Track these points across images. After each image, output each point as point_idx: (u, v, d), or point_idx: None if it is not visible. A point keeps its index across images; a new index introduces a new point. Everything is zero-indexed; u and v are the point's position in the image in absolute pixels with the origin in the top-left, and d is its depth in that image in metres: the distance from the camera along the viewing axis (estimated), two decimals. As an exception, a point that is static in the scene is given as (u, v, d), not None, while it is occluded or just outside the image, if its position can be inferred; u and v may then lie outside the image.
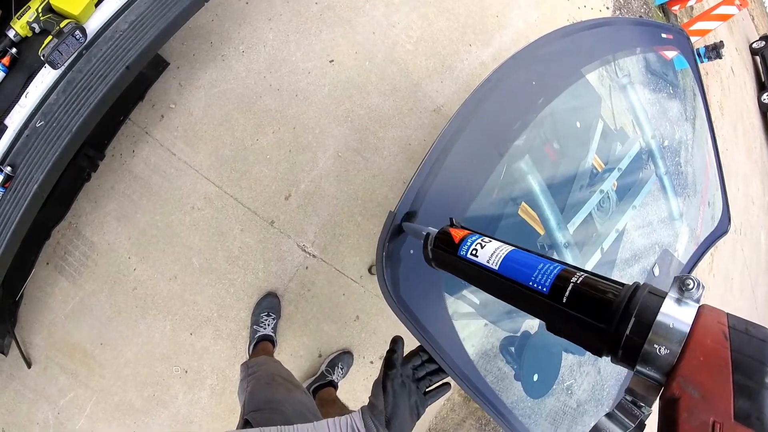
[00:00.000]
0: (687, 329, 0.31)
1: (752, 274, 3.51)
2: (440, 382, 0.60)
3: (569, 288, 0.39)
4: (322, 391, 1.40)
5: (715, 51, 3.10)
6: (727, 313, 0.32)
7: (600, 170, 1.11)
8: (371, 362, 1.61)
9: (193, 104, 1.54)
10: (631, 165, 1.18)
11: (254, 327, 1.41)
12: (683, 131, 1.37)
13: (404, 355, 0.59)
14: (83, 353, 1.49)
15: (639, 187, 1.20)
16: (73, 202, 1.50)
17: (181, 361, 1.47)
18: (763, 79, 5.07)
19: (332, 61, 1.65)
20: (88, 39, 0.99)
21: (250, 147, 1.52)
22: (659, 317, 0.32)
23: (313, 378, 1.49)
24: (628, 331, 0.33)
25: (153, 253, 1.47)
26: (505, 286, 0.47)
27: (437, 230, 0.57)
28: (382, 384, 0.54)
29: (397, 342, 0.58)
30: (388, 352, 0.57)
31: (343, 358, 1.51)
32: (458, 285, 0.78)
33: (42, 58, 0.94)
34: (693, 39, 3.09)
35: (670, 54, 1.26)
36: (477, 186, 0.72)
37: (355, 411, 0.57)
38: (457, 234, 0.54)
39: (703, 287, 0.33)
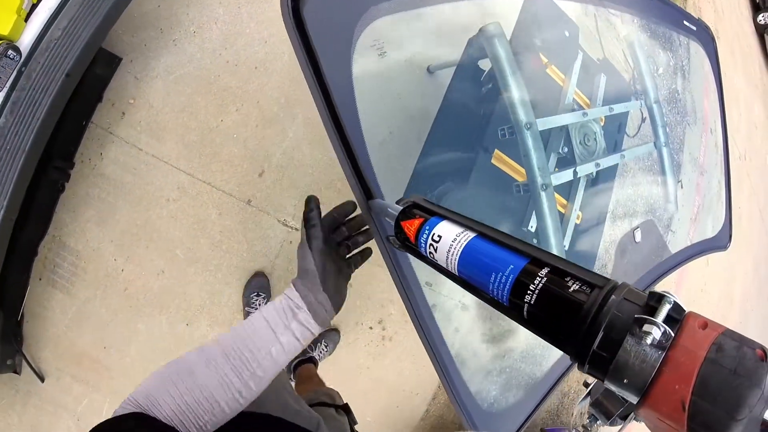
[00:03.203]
0: (650, 376, 0.27)
1: (760, 200, 3.34)
2: (361, 248, 0.56)
3: (525, 307, 0.35)
4: (301, 368, 1.39)
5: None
6: (705, 361, 0.25)
7: (586, 108, 1.02)
8: (370, 328, 1.58)
9: (152, 95, 1.49)
10: (622, 116, 1.08)
11: (246, 309, 1.40)
12: (678, 58, 1.26)
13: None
14: (90, 359, 1.51)
15: (633, 146, 1.10)
16: (53, 216, 1.49)
17: (183, 352, 1.46)
18: (757, 0, 4.73)
19: (287, 27, 1.58)
20: (24, 55, 0.96)
21: (215, 129, 1.48)
22: (622, 351, 0.28)
23: None
24: (595, 347, 0.29)
25: (137, 251, 1.46)
26: (473, 290, 0.42)
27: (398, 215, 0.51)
28: (308, 243, 0.50)
29: (311, 201, 0.54)
30: (304, 212, 0.53)
31: (327, 335, 1.48)
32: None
33: (-21, 85, 0.91)
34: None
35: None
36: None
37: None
38: (410, 229, 0.47)
39: (670, 335, 0.27)
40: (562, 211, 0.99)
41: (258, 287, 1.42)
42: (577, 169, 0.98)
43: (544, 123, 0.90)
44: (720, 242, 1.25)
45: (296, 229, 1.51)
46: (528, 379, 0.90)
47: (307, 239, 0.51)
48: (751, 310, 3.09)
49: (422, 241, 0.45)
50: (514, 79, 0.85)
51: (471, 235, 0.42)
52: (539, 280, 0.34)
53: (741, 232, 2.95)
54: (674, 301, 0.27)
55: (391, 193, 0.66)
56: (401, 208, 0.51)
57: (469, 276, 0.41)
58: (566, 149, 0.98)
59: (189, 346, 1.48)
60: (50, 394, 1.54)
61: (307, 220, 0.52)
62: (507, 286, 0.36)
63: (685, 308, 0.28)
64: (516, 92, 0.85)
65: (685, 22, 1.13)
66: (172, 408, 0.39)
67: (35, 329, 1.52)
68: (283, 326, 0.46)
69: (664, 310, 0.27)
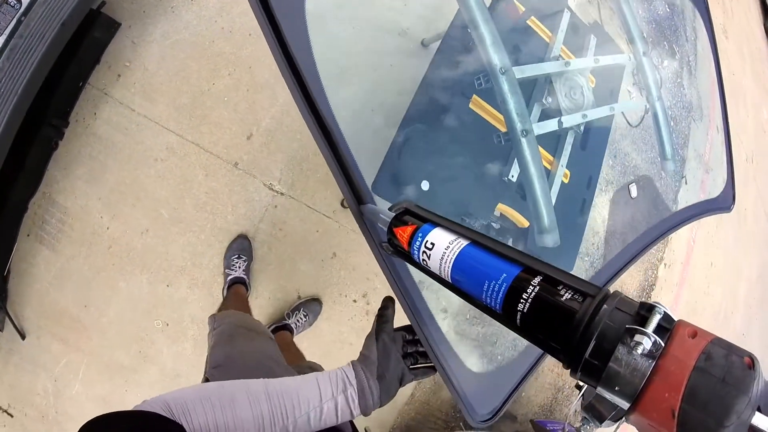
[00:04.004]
0: (640, 384, 0.28)
1: (766, 203, 3.24)
2: (427, 365, 0.58)
3: (518, 315, 0.36)
4: (278, 335, 1.37)
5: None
6: (694, 370, 0.26)
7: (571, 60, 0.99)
8: (354, 301, 1.55)
9: (147, 59, 1.51)
10: (615, 78, 1.04)
11: (226, 271, 1.38)
12: (684, 51, 1.23)
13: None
14: (70, 318, 1.50)
15: (626, 102, 1.06)
16: (45, 173, 1.51)
17: (162, 314, 1.45)
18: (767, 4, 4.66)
19: (284, -4, 1.59)
20: (25, 5, 1.00)
21: (207, 92, 1.48)
22: (613, 360, 0.29)
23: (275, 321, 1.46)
24: (587, 356, 0.30)
25: (123, 209, 1.46)
26: (466, 297, 0.43)
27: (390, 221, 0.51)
28: (376, 336, 0.54)
29: (391, 300, 0.58)
30: (380, 309, 0.57)
31: (307, 305, 1.46)
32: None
33: (-20, 30, 0.96)
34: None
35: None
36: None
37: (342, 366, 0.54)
38: (403, 236, 0.48)
39: (660, 345, 0.27)
40: (548, 167, 0.96)
41: (240, 249, 1.40)
42: (563, 119, 0.95)
43: (522, 71, 0.87)
44: (723, 203, 1.20)
45: (281, 194, 1.50)
46: (521, 351, 0.87)
47: (376, 332, 0.54)
48: (755, 316, 2.98)
49: (415, 248, 0.46)
50: (484, 22, 0.83)
51: (464, 242, 0.43)
52: (532, 288, 0.35)
53: (746, 235, 2.86)
54: (664, 312, 0.28)
55: (370, 160, 0.65)
56: (394, 214, 0.52)
57: (462, 284, 0.42)
58: (550, 99, 0.95)
59: (168, 307, 1.48)
60: (30, 353, 1.53)
61: (380, 316, 0.55)
62: (500, 295, 0.37)
63: (674, 318, 0.29)
64: (488, 36, 0.83)
65: None
66: (201, 424, 0.40)
67: (20, 286, 1.52)
68: (330, 394, 0.47)
69: (655, 320, 0.28)
